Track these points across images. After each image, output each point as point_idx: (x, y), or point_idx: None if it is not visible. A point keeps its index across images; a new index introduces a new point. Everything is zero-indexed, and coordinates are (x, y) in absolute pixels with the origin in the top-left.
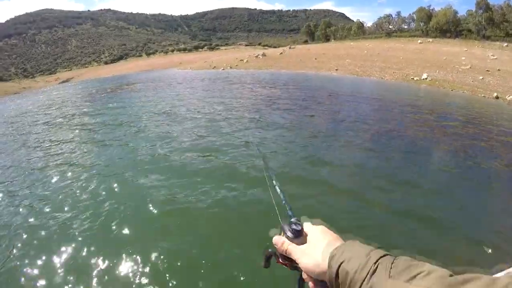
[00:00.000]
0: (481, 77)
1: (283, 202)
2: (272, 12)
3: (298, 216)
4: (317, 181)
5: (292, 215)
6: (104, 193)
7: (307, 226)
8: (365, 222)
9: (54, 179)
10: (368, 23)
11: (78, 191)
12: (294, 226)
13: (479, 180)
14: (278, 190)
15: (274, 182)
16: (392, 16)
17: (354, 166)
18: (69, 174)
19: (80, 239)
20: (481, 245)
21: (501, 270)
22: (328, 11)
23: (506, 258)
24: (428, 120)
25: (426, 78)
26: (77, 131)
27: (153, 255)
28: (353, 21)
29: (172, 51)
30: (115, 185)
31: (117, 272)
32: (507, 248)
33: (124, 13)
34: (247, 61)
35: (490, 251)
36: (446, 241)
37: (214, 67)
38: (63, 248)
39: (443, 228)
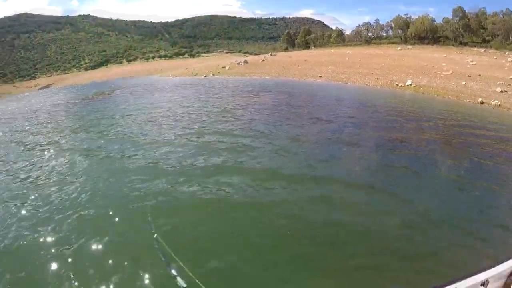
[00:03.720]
0: (463, 83)
1: None
2: (252, 20)
3: None
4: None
5: None
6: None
7: None
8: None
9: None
10: (347, 31)
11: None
12: None
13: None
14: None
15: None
16: (370, 23)
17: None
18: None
19: None
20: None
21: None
22: (307, 19)
23: None
24: (425, 127)
25: (410, 84)
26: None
27: None
28: (332, 29)
29: (153, 57)
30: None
31: None
32: None
33: (103, 19)
34: (229, 68)
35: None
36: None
37: (196, 74)
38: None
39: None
